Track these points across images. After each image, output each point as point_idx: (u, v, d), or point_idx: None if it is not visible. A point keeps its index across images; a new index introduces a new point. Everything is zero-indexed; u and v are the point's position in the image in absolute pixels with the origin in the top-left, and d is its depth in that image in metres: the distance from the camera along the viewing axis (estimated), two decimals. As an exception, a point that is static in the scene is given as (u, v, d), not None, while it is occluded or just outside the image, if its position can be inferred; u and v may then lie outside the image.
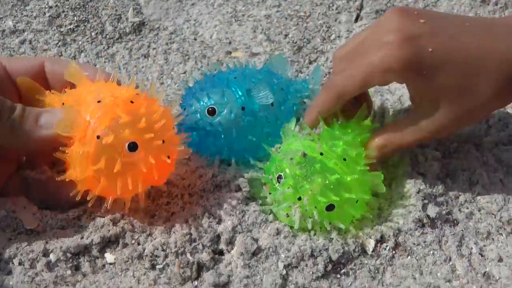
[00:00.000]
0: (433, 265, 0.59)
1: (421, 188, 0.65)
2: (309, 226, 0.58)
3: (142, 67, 0.85)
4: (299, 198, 0.57)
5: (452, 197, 0.67)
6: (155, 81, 0.82)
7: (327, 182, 0.57)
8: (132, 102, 0.55)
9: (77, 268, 0.56)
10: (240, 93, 0.66)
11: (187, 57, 0.87)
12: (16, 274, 0.54)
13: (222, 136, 0.65)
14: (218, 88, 0.66)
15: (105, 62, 0.85)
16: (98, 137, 0.53)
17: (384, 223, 0.63)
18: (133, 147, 0.53)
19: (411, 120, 0.63)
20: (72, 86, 0.60)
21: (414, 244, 0.61)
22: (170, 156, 0.56)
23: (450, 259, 0.60)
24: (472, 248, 0.61)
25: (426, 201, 0.64)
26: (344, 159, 0.59)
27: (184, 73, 0.84)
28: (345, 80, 0.62)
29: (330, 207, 0.58)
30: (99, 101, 0.55)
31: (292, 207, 0.58)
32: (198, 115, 0.65)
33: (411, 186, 0.66)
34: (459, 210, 0.66)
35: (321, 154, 0.59)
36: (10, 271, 0.54)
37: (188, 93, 0.69)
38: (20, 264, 0.55)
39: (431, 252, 0.61)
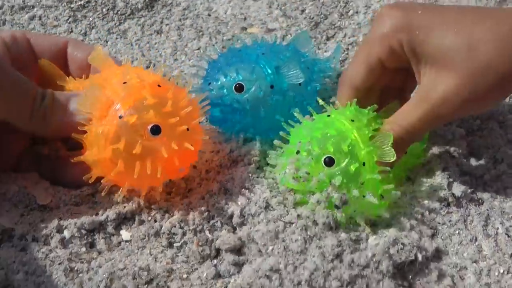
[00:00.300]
0: (459, 245, 0.58)
1: (446, 166, 0.64)
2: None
3: (155, 43, 0.83)
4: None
5: (476, 175, 0.65)
6: (168, 58, 0.80)
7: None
8: (159, 85, 0.54)
9: (92, 245, 0.55)
10: (269, 70, 0.63)
11: (201, 33, 0.85)
12: (30, 251, 0.52)
13: (249, 114, 0.63)
14: (247, 64, 0.64)
15: (116, 38, 0.83)
16: (120, 117, 0.52)
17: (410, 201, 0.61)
18: (156, 130, 0.51)
19: (415, 96, 0.59)
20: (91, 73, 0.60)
21: (439, 223, 0.59)
22: (194, 145, 0.54)
23: (476, 239, 0.58)
24: (498, 228, 0.60)
25: (451, 180, 0.63)
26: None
27: (198, 49, 0.82)
28: (350, 64, 0.63)
29: None
30: (124, 82, 0.53)
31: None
32: (225, 90, 0.63)
33: (436, 164, 0.64)
34: (484, 189, 0.64)
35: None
36: (23, 247, 0.53)
37: (213, 67, 0.66)
38: (33, 240, 0.54)
39: (457, 232, 0.59)
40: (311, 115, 0.61)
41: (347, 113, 0.58)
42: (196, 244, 0.54)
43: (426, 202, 0.61)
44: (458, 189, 0.62)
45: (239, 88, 0.62)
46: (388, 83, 0.65)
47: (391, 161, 0.54)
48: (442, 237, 0.58)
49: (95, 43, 0.82)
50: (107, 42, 0.82)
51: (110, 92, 0.53)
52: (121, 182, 0.54)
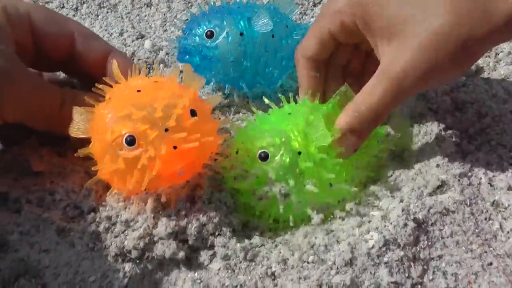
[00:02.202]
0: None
1: (429, 121, 0.66)
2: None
3: (145, 15, 0.84)
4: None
5: (461, 129, 0.66)
6: (158, 29, 0.81)
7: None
8: (138, 91, 0.52)
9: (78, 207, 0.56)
10: (240, 19, 0.66)
11: (190, 4, 0.86)
12: (23, 212, 0.54)
13: (219, 60, 0.66)
14: (219, 14, 0.67)
15: (107, 12, 0.84)
16: (101, 136, 0.51)
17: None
18: (131, 141, 0.50)
19: (376, 73, 0.55)
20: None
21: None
22: (177, 146, 0.50)
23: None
24: (481, 178, 0.61)
25: (434, 134, 0.64)
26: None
27: (187, 20, 0.83)
28: (304, 37, 0.62)
29: None
30: (109, 98, 0.53)
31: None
32: (197, 38, 0.66)
33: (420, 120, 0.66)
34: (469, 142, 0.65)
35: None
36: (17, 209, 0.55)
37: (191, 19, 0.69)
38: (27, 202, 0.55)
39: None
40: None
41: (285, 108, 0.59)
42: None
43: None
44: (442, 143, 0.63)
45: (210, 35, 0.65)
46: (348, 62, 0.65)
47: (328, 143, 0.53)
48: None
49: (86, 18, 0.83)
50: (98, 16, 0.84)
51: (96, 111, 0.53)
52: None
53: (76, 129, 0.52)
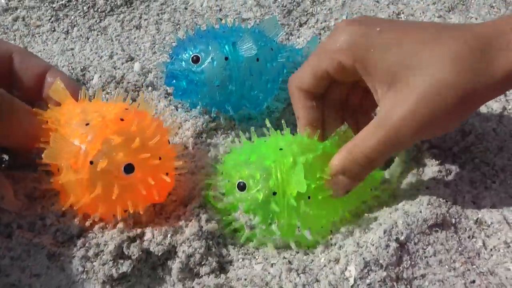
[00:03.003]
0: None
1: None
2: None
3: (134, 38, 0.85)
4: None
5: (445, 148, 0.67)
6: (147, 51, 0.83)
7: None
8: (122, 119, 0.53)
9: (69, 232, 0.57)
10: (225, 44, 0.67)
11: (178, 26, 0.87)
12: (15, 237, 0.55)
13: (205, 84, 0.67)
14: (205, 39, 0.68)
15: (97, 35, 0.85)
16: (91, 162, 0.51)
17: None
18: (129, 169, 0.51)
19: (374, 120, 0.55)
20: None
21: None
22: (169, 173, 0.54)
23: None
24: (465, 197, 0.62)
25: (419, 153, 0.66)
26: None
27: (174, 44, 0.84)
28: (299, 69, 0.62)
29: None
30: (87, 124, 0.53)
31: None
32: (183, 63, 0.67)
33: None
34: (453, 160, 0.66)
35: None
36: (9, 234, 0.56)
37: (178, 44, 0.70)
38: (18, 227, 0.56)
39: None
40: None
41: (280, 142, 0.59)
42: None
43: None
44: (427, 161, 0.64)
45: (196, 60, 0.66)
46: (346, 97, 0.64)
47: (303, 191, 0.53)
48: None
49: (77, 41, 0.84)
50: (88, 39, 0.85)
51: (74, 137, 0.53)
52: (107, 217, 0.56)
53: (53, 155, 0.52)
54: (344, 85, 0.62)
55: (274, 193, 0.55)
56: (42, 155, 0.52)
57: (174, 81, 0.67)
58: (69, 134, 0.53)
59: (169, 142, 0.57)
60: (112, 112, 0.54)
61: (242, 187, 0.55)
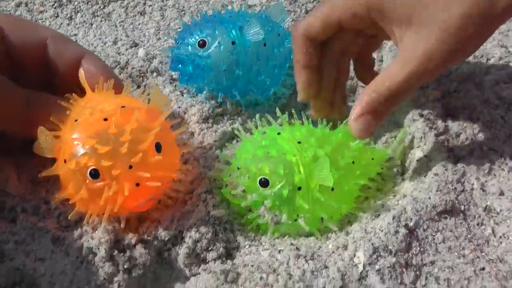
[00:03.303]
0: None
1: (420, 127, 0.66)
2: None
3: (139, 24, 0.85)
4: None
5: (453, 135, 0.67)
6: (152, 38, 0.82)
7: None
8: (105, 119, 0.52)
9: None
10: (232, 29, 0.66)
11: (183, 12, 0.86)
12: (19, 221, 0.55)
13: (212, 69, 0.66)
14: (211, 24, 0.67)
15: (101, 21, 0.85)
16: (65, 161, 0.51)
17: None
18: (95, 174, 0.50)
19: (396, 59, 0.57)
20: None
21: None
22: (140, 183, 0.51)
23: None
24: (473, 184, 0.61)
25: (426, 139, 0.65)
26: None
27: (180, 28, 0.84)
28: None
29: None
30: (76, 120, 0.53)
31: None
32: (189, 47, 0.66)
33: (415, 128, 0.67)
34: (460, 148, 0.65)
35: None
36: (13, 219, 0.55)
37: (184, 29, 0.69)
38: (22, 211, 0.56)
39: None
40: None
41: (296, 134, 0.58)
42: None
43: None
44: (435, 148, 0.63)
45: (202, 44, 0.65)
46: (347, 46, 0.65)
47: (330, 185, 0.53)
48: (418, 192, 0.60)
49: (80, 27, 0.83)
50: (92, 25, 0.84)
51: (63, 133, 0.53)
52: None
53: (40, 148, 0.52)
54: (349, 33, 0.63)
55: (299, 188, 0.54)
56: (33, 147, 0.52)
57: (180, 65, 0.67)
58: (62, 129, 0.53)
59: (158, 148, 0.53)
60: (101, 110, 0.53)
61: (264, 183, 0.55)
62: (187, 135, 0.64)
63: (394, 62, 0.56)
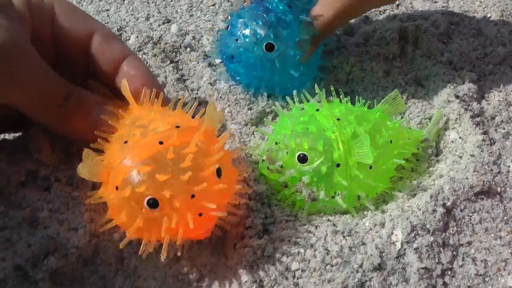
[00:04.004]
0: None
1: (456, 109, 0.66)
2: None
3: (171, 0, 0.84)
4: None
5: (488, 117, 0.66)
6: (184, 14, 0.81)
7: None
8: (161, 142, 0.47)
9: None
10: (295, 27, 0.65)
11: (216, -11, 0.86)
12: (53, 190, 0.54)
13: (277, 73, 0.65)
14: (275, 20, 0.65)
15: (134, -3, 0.84)
16: (116, 188, 0.47)
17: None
18: (153, 204, 0.46)
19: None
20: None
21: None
22: (203, 213, 0.47)
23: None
24: (509, 166, 0.60)
25: (461, 121, 0.65)
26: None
27: (213, 5, 0.83)
28: None
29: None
30: (125, 142, 0.49)
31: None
32: (255, 48, 0.64)
33: (450, 110, 0.66)
34: (496, 130, 0.65)
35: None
36: (47, 187, 0.55)
37: (237, 20, 0.66)
38: (56, 181, 0.55)
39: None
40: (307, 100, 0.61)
41: (335, 111, 0.57)
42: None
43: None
44: (470, 130, 0.63)
45: (270, 48, 0.64)
46: None
47: (370, 162, 0.52)
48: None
49: (112, 2, 0.83)
50: (123, 0, 0.84)
51: (109, 155, 0.49)
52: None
53: (86, 171, 0.48)
54: None
55: (338, 165, 0.54)
56: (77, 169, 0.48)
57: (235, 64, 0.66)
58: (108, 148, 0.51)
59: (218, 174, 0.48)
60: (156, 132, 0.49)
61: (302, 159, 0.54)
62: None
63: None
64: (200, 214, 0.46)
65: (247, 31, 0.64)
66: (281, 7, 0.65)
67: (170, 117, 0.51)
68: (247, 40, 0.64)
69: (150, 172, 0.45)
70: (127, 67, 0.56)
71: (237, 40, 0.65)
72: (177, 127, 0.49)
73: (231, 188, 0.50)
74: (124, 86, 0.54)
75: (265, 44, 0.63)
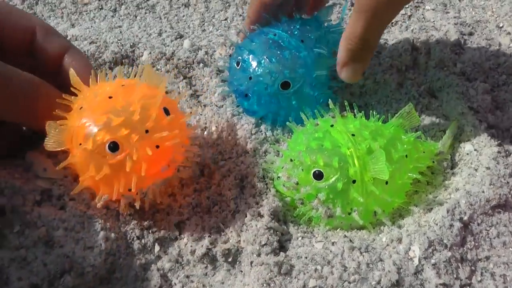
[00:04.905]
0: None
1: (470, 120, 0.65)
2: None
3: (183, 16, 0.84)
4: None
5: (503, 129, 0.65)
6: (196, 29, 0.81)
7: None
8: (110, 97, 0.53)
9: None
10: (310, 63, 0.64)
11: (227, 4, 0.86)
12: (68, 209, 0.54)
13: (293, 108, 0.65)
14: (288, 57, 0.64)
15: (145, 13, 0.85)
16: (80, 145, 0.51)
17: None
18: (114, 147, 0.51)
19: (354, 7, 0.59)
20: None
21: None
22: (160, 145, 0.52)
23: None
24: (525, 179, 0.60)
25: (476, 133, 0.64)
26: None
27: (226, 19, 0.83)
28: None
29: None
30: (80, 108, 0.53)
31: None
32: (271, 87, 0.63)
33: (464, 122, 0.66)
34: (511, 142, 0.64)
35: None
36: (62, 206, 0.55)
37: (247, 54, 0.65)
38: (71, 200, 0.55)
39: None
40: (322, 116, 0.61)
41: (350, 126, 0.57)
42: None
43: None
44: (485, 142, 0.62)
45: (285, 86, 0.63)
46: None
47: (386, 178, 0.52)
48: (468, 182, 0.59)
49: (125, 19, 0.83)
50: (136, 17, 0.84)
51: (70, 123, 0.53)
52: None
53: (52, 143, 0.52)
54: None
55: (354, 181, 0.54)
56: (44, 144, 0.52)
57: (249, 101, 0.65)
58: (68, 120, 0.53)
59: (166, 112, 0.54)
60: (103, 92, 0.53)
61: (318, 175, 0.54)
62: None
63: (352, 12, 0.59)
64: (157, 146, 0.51)
65: (261, 70, 0.63)
66: (293, 42, 0.64)
67: (115, 82, 0.56)
68: (261, 79, 0.63)
69: (106, 121, 0.50)
70: (69, 58, 0.59)
71: (250, 78, 0.64)
72: (122, 85, 0.54)
73: (182, 123, 0.56)
74: (72, 74, 0.56)
75: (280, 82, 0.63)
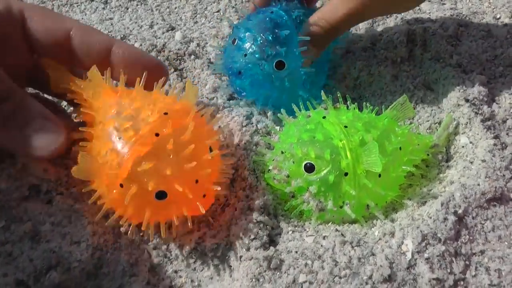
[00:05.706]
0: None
1: (466, 112, 0.64)
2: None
3: (175, 8, 0.84)
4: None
5: (499, 121, 0.64)
6: (188, 21, 0.80)
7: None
8: (157, 134, 0.48)
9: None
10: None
11: (220, -5, 0.85)
12: (55, 203, 0.53)
13: (286, 91, 0.64)
14: (284, 37, 0.63)
15: (137, 5, 0.84)
16: (121, 185, 0.48)
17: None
18: (161, 195, 0.48)
19: None
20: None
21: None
22: (206, 194, 0.51)
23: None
24: (521, 170, 0.59)
25: (471, 125, 0.63)
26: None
27: (218, 11, 0.83)
28: None
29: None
30: (119, 138, 0.49)
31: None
32: (265, 65, 0.62)
33: (460, 114, 0.65)
34: (507, 134, 0.63)
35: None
36: (49, 200, 0.54)
37: (244, 33, 0.64)
38: (58, 194, 0.55)
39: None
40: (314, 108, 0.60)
41: (342, 118, 0.56)
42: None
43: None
44: (481, 134, 0.61)
45: (279, 66, 0.62)
46: None
47: (378, 171, 0.51)
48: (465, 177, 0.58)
49: (116, 11, 0.82)
50: (127, 9, 0.83)
51: (105, 152, 0.49)
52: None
53: (82, 172, 0.48)
54: None
55: (346, 174, 0.52)
56: (71, 171, 0.48)
57: (242, 80, 0.63)
58: (101, 145, 0.50)
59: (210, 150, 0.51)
60: (147, 123, 0.49)
61: (309, 168, 0.53)
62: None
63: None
64: (204, 196, 0.50)
65: (256, 47, 0.62)
66: (289, 23, 0.63)
67: (155, 103, 0.51)
68: (257, 56, 0.62)
69: (154, 167, 0.47)
70: (119, 50, 0.57)
71: (245, 55, 0.62)
72: (165, 113, 0.50)
73: (218, 160, 0.53)
74: (92, 71, 0.54)
75: (275, 61, 0.62)
